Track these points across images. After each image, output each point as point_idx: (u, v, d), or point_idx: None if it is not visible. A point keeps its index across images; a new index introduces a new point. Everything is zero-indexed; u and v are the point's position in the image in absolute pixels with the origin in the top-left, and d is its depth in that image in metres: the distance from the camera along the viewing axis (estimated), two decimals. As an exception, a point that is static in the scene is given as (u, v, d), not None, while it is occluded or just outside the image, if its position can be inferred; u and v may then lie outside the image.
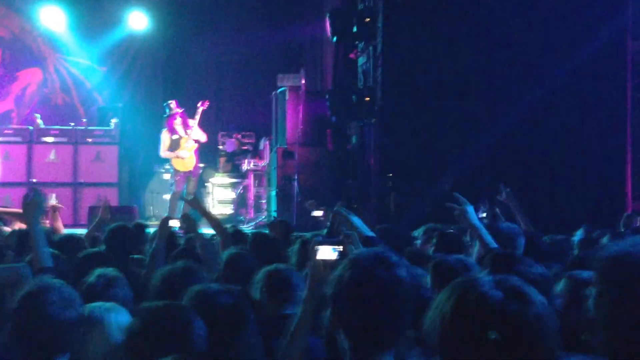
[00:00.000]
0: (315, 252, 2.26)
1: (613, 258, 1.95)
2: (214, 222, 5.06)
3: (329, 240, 2.32)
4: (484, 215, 5.64)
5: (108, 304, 2.52)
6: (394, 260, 1.99)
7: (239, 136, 13.13)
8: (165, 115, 10.63)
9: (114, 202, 10.87)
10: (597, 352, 1.98)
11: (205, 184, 12.07)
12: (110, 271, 3.02)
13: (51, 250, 3.48)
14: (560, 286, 2.96)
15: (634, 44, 9.12)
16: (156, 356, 1.92)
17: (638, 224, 5.11)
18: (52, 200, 6.35)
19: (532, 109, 9.10)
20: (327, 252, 2.25)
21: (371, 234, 2.91)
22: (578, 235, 4.91)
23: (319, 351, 2.43)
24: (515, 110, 9.14)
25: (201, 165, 11.48)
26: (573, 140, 9.02)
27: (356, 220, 3.04)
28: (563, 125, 9.05)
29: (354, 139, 11.24)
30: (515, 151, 9.09)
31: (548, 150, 9.08)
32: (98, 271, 2.99)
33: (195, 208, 5.41)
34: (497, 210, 5.73)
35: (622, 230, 5.20)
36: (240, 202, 12.17)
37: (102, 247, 4.57)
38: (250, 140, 13.18)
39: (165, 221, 4.57)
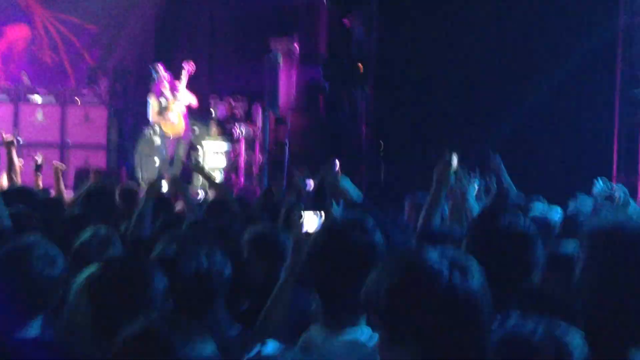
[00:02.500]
0: (299, 221, 2.29)
1: (600, 231, 1.96)
2: (218, 189, 5.07)
3: (312, 206, 2.35)
4: (476, 187, 5.60)
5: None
6: (370, 225, 2.02)
7: (231, 100, 12.98)
8: (152, 79, 10.51)
9: (102, 165, 10.77)
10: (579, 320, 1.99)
11: (197, 147, 11.95)
12: (103, 230, 3.01)
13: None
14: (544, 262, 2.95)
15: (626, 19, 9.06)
16: (114, 305, 1.95)
17: (617, 202, 5.15)
18: (39, 160, 6.22)
19: (526, 86, 9.07)
20: (311, 220, 2.28)
21: (358, 198, 2.89)
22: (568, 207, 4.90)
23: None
24: (510, 85, 9.10)
25: (194, 128, 11.36)
26: (562, 116, 9.03)
27: (346, 183, 3.01)
28: (553, 102, 9.05)
29: (346, 107, 11.14)
30: (507, 123, 9.06)
31: (539, 127, 9.08)
32: (90, 230, 2.98)
33: (199, 174, 5.43)
34: (488, 180, 5.71)
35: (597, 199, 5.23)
36: (231, 168, 12.08)
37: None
38: (242, 105, 13.04)
39: (153, 184, 4.50)
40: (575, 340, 1.60)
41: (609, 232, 1.97)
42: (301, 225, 2.30)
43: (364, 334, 1.96)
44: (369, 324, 1.96)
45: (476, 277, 1.47)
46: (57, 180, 5.92)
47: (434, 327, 1.41)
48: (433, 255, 1.48)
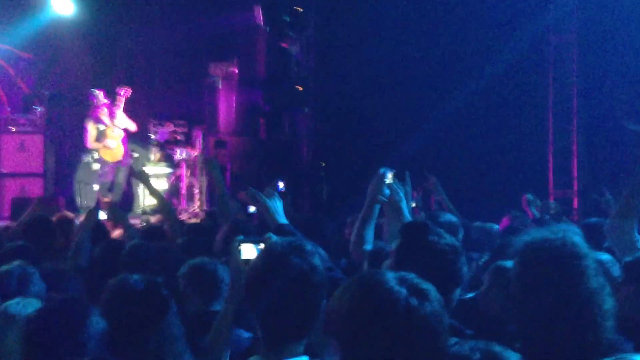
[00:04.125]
0: (237, 251, 2.25)
1: (529, 246, 2.05)
2: (161, 203, 5.04)
3: (251, 239, 2.30)
4: (414, 205, 5.74)
5: (26, 300, 2.46)
6: (308, 249, 2.00)
7: (171, 125, 12.91)
8: (90, 105, 10.41)
9: (38, 193, 10.55)
10: (513, 335, 2.06)
11: (139, 172, 11.82)
12: (22, 266, 2.94)
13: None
14: (486, 278, 3.04)
15: (555, 38, 9.41)
16: (50, 347, 1.93)
17: (552, 212, 5.33)
18: None
19: (461, 102, 9.29)
20: (250, 251, 2.23)
21: (284, 221, 2.88)
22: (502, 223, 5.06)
23: (244, 342, 2.42)
24: (445, 102, 9.32)
25: (134, 155, 11.25)
26: (499, 134, 9.28)
27: (271, 205, 2.98)
28: (489, 119, 9.29)
29: (287, 129, 11.21)
30: (445, 142, 9.27)
31: (475, 144, 9.31)
32: (6, 267, 2.91)
33: (144, 184, 5.38)
34: (425, 198, 5.85)
35: (539, 216, 5.40)
36: (172, 192, 11.98)
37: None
38: (182, 129, 12.97)
39: (91, 212, 4.48)
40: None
41: (535, 248, 2.04)
42: (239, 253, 2.25)
43: None
44: (307, 352, 1.97)
45: (434, 301, 1.52)
46: None
47: (392, 349, 1.45)
48: (392, 279, 1.52)
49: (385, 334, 1.45)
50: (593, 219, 4.54)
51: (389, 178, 3.42)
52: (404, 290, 1.49)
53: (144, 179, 5.36)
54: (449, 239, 2.31)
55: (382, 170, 3.40)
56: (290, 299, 1.92)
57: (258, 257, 2.03)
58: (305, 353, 1.95)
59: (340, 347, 1.49)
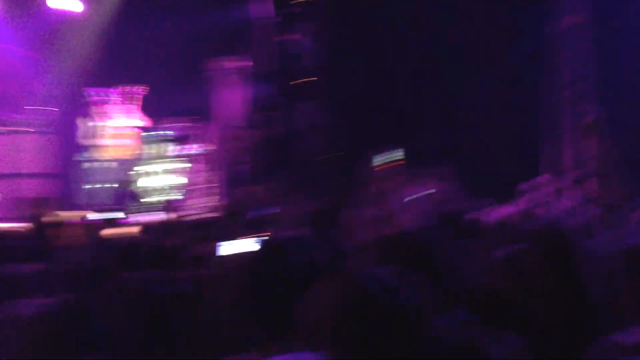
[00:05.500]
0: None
1: (544, 229, 2.01)
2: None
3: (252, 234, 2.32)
4: (423, 193, 5.69)
5: (29, 301, 2.46)
6: (308, 243, 2.01)
7: (185, 121, 12.94)
8: (94, 104, 10.47)
9: (56, 193, 10.61)
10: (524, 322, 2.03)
11: (147, 170, 11.85)
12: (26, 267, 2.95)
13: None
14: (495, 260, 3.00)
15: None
16: (54, 347, 1.92)
17: (562, 193, 5.27)
18: None
19: (477, 87, 9.23)
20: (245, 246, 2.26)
21: None
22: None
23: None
24: (462, 88, 9.26)
25: (146, 151, 11.28)
26: (513, 117, 9.21)
27: None
28: (507, 103, 9.22)
29: (300, 120, 11.19)
30: (463, 125, 9.22)
31: (492, 128, 9.24)
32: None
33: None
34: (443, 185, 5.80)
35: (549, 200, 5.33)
36: (189, 188, 12.02)
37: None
38: (196, 125, 13.00)
39: (95, 211, 4.47)
40: (497, 350, 1.63)
41: (547, 232, 2.04)
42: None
43: (300, 358, 1.94)
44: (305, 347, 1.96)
45: (418, 291, 1.51)
46: None
47: (376, 341, 1.44)
48: (373, 273, 1.52)
49: (368, 327, 1.45)
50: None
51: (392, 156, 3.41)
52: (386, 282, 1.49)
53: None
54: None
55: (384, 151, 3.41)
56: (291, 292, 1.89)
57: (256, 253, 2.04)
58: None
59: (325, 343, 1.48)
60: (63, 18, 12.40)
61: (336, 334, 1.47)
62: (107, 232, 5.03)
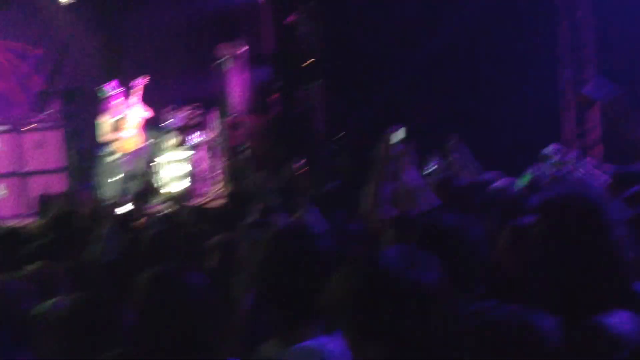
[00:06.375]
0: (244, 233, 2.26)
1: (553, 201, 2.04)
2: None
3: (261, 223, 2.31)
4: (435, 167, 5.72)
5: (54, 300, 2.48)
6: (316, 229, 2.04)
7: (187, 109, 12.94)
8: (102, 97, 10.46)
9: (63, 189, 10.66)
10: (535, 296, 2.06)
11: (155, 161, 11.90)
12: (48, 265, 2.95)
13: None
14: (503, 236, 3.02)
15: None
16: (81, 343, 1.95)
17: (567, 166, 5.27)
18: (1, 191, 6.14)
19: (475, 61, 9.20)
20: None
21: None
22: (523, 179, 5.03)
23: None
24: (460, 67, 9.23)
25: (152, 141, 11.31)
26: (513, 89, 9.20)
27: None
28: (503, 76, 9.20)
29: (301, 103, 11.18)
30: (462, 104, 9.20)
31: (492, 101, 9.22)
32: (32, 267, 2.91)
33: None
34: (451, 159, 5.82)
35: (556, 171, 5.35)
36: (194, 176, 12.05)
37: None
38: (199, 113, 13.00)
39: (115, 204, 4.53)
40: (547, 322, 1.64)
41: (561, 203, 2.05)
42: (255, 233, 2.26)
43: (320, 342, 1.93)
44: (325, 331, 1.96)
45: (433, 271, 1.54)
46: None
47: (396, 320, 1.47)
48: (390, 254, 1.55)
49: (388, 305, 1.47)
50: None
51: (399, 134, 3.45)
52: (402, 263, 1.52)
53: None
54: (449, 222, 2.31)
55: (391, 129, 3.44)
56: (301, 280, 1.93)
57: (268, 239, 2.03)
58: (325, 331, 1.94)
59: (348, 326, 1.51)
60: (66, 13, 12.34)
61: (353, 316, 1.50)
62: (134, 223, 5.07)
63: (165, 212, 6.50)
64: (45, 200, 9.37)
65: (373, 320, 1.48)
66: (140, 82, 10.30)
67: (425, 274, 1.52)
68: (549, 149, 5.74)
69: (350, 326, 1.51)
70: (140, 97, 10.33)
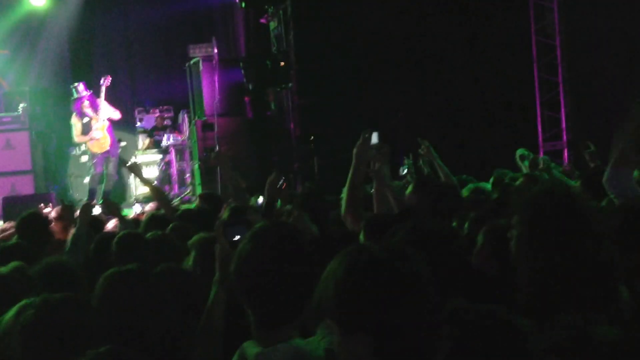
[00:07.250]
0: (220, 233, 2.23)
1: (532, 200, 2.06)
2: (154, 192, 5.08)
3: (237, 222, 2.28)
4: (405, 172, 5.73)
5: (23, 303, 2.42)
6: (297, 230, 2.03)
7: (157, 111, 12.83)
8: (72, 99, 10.32)
9: (29, 190, 10.49)
10: (518, 296, 2.07)
11: (124, 163, 11.80)
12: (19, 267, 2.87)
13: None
14: (480, 238, 3.02)
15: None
16: (47, 351, 1.89)
17: (541, 167, 5.32)
18: None
19: (445, 62, 9.25)
20: (237, 233, 2.21)
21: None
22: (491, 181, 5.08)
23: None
24: (430, 63, 9.28)
25: (122, 144, 11.19)
26: (484, 91, 9.27)
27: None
28: (474, 78, 9.27)
29: (272, 105, 11.15)
30: (432, 103, 9.26)
31: (462, 103, 9.30)
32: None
33: (136, 175, 5.42)
34: (420, 163, 5.84)
35: (529, 172, 5.39)
36: (163, 179, 11.96)
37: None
38: (168, 115, 12.91)
39: (86, 207, 4.45)
40: (525, 322, 1.64)
41: (539, 197, 2.07)
42: (228, 235, 2.23)
43: (298, 343, 1.93)
44: (303, 332, 1.96)
45: (417, 263, 1.53)
46: None
47: (383, 311, 1.46)
48: (374, 248, 1.54)
49: (373, 298, 1.47)
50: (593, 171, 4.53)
51: (374, 138, 3.49)
52: (385, 254, 1.52)
53: (136, 170, 5.34)
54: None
55: (366, 132, 3.47)
56: (280, 280, 1.91)
57: (246, 240, 2.01)
58: (300, 333, 1.94)
59: (334, 320, 1.51)
60: (33, 14, 12.14)
61: (339, 307, 1.49)
62: (106, 225, 5.00)
63: (137, 213, 6.44)
64: (10, 203, 9.21)
65: (360, 312, 1.47)
66: (103, 83, 10.13)
67: (411, 265, 1.51)
68: (522, 151, 5.80)
69: (336, 318, 1.50)
70: (104, 96, 10.16)
